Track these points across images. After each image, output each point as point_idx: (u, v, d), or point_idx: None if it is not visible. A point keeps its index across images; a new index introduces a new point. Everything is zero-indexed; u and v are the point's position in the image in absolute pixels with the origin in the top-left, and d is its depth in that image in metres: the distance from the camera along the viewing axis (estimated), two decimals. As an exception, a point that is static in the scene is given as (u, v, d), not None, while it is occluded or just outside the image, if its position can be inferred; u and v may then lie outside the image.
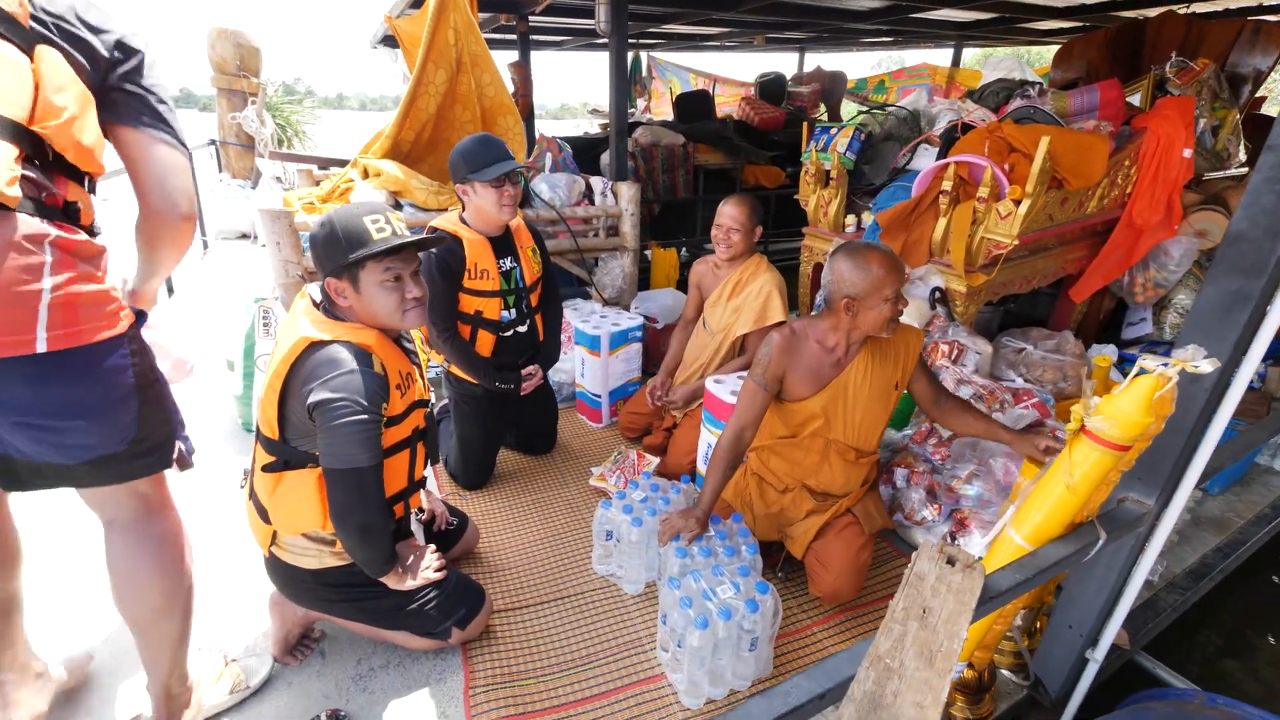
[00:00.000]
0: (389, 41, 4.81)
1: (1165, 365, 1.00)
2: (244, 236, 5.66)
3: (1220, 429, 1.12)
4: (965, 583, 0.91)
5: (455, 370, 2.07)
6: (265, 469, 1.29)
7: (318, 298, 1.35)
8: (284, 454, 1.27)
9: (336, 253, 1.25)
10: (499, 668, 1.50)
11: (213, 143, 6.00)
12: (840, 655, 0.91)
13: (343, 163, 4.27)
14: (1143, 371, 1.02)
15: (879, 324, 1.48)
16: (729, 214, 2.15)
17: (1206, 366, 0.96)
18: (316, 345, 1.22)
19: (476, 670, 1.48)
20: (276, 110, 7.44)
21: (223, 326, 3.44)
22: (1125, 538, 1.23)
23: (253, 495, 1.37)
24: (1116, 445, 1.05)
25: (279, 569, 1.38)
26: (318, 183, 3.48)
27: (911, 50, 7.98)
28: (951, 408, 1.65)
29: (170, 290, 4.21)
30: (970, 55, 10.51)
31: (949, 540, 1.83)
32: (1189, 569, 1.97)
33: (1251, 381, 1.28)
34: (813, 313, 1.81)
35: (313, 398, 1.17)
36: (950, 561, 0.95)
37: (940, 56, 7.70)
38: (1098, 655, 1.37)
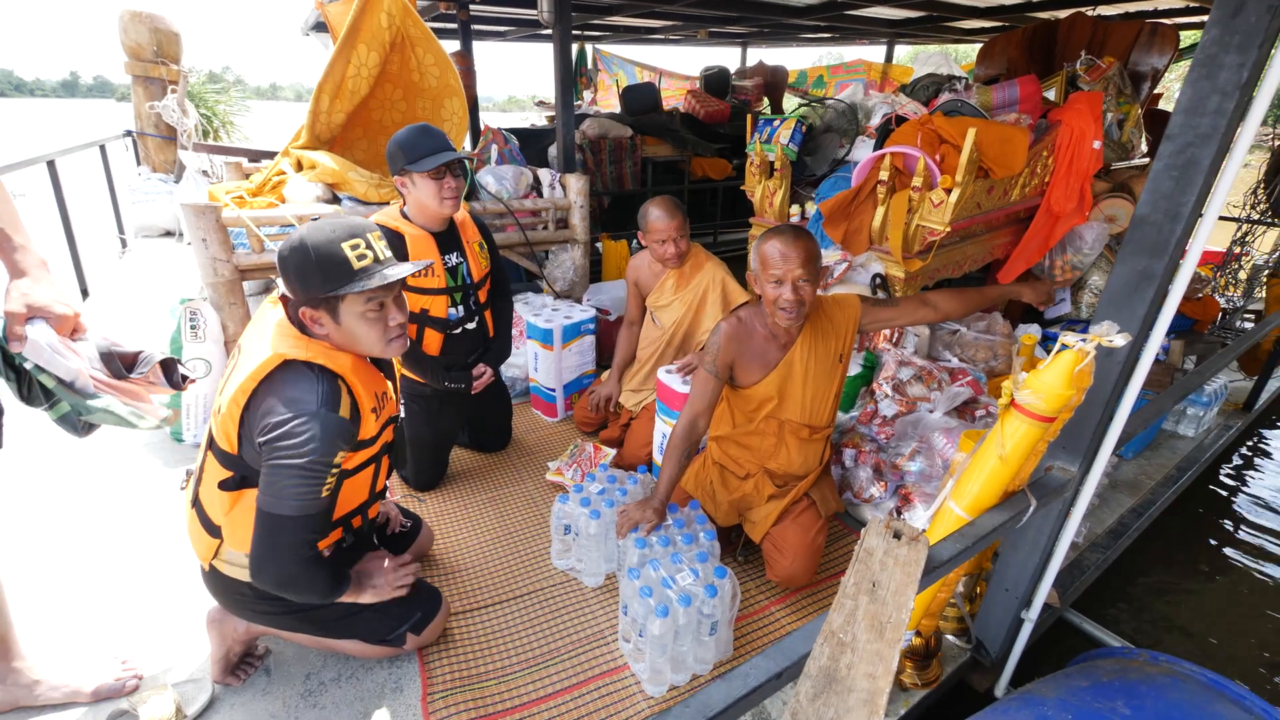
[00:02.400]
0: (321, 28, 4.56)
1: (1084, 341, 1.07)
2: (167, 234, 5.27)
3: (1133, 398, 1.21)
4: (911, 555, 0.96)
5: (403, 370, 2.00)
6: (222, 485, 1.21)
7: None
8: (241, 469, 1.20)
9: (311, 283, 1.14)
10: (458, 671, 1.46)
11: (129, 134, 5.51)
12: (795, 634, 0.93)
13: (275, 155, 4.03)
14: (1064, 348, 1.09)
15: (769, 303, 1.50)
16: (665, 227, 2.09)
17: (1120, 340, 1.04)
18: (290, 364, 1.15)
19: (434, 675, 1.45)
20: (201, 100, 6.91)
21: (145, 330, 3.20)
22: (1053, 503, 1.31)
23: (196, 503, 1.28)
24: (1043, 417, 1.12)
25: (218, 581, 1.30)
26: (248, 176, 3.28)
27: (848, 46, 8.26)
28: (938, 303, 1.63)
29: (85, 293, 3.88)
30: (902, 52, 10.95)
31: (895, 515, 1.92)
32: (1108, 529, 2.13)
33: (1157, 354, 1.39)
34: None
35: (264, 436, 1.10)
36: (896, 535, 0.99)
37: (874, 53, 8.02)
38: (1032, 615, 1.46)
